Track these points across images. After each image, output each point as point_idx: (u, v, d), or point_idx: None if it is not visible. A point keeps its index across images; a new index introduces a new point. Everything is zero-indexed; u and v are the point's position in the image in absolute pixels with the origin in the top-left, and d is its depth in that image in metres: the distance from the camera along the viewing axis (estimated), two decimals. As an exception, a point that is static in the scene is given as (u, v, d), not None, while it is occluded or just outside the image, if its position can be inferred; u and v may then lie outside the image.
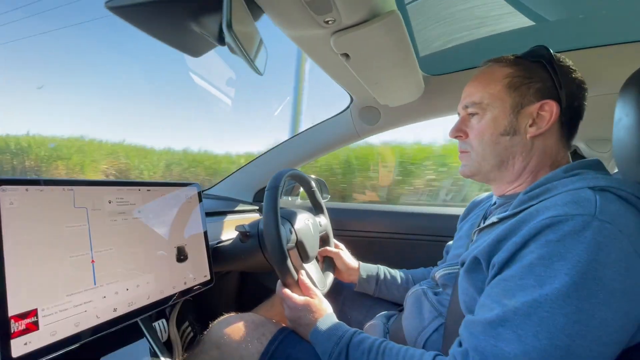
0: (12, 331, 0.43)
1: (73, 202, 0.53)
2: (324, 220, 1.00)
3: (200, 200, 0.80)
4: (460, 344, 0.48)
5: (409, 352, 0.56)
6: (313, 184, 0.98)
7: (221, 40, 0.54)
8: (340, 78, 0.97)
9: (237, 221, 1.07)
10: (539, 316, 0.40)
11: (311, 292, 0.72)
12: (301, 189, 1.44)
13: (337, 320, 0.67)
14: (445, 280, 0.71)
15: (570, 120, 0.58)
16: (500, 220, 0.54)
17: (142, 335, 0.64)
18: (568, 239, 0.41)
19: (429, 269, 0.97)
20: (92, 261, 0.53)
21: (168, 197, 0.71)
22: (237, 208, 1.23)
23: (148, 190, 0.67)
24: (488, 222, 0.58)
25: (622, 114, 0.52)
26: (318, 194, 1.01)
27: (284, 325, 0.73)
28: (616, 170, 0.63)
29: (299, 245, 0.83)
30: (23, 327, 0.44)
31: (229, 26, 0.45)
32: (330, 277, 0.91)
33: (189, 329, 0.97)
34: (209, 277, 0.77)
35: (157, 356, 0.63)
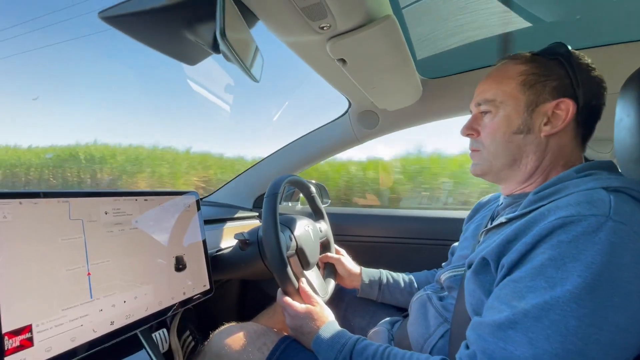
0: (6, 348, 0.42)
1: (69, 214, 0.52)
2: (324, 226, 0.99)
3: (199, 209, 0.80)
4: (467, 347, 0.47)
5: (414, 357, 0.55)
6: (313, 189, 0.98)
7: (216, 49, 0.54)
8: (337, 83, 0.97)
9: (236, 228, 1.06)
10: (550, 319, 0.39)
11: (312, 300, 0.71)
12: (301, 195, 1.43)
13: (340, 328, 0.66)
14: (451, 283, 0.70)
15: (586, 119, 0.57)
16: (509, 220, 0.53)
17: (142, 347, 0.63)
18: (581, 240, 0.40)
19: (432, 272, 0.96)
20: (88, 274, 0.52)
21: (166, 206, 0.71)
22: (237, 215, 1.22)
23: (145, 200, 0.66)
24: (496, 222, 0.57)
25: (623, 114, 0.51)
26: (318, 200, 1.00)
27: (285, 334, 0.72)
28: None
29: (299, 252, 0.82)
30: (17, 343, 0.43)
31: (223, 34, 0.45)
32: (331, 283, 0.90)
33: (190, 338, 0.96)
34: (208, 287, 0.76)
35: (157, 368, 0.62)
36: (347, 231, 1.39)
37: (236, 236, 0.82)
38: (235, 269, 0.87)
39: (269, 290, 1.31)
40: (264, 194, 0.76)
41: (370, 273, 0.94)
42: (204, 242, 0.78)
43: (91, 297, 0.52)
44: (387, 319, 0.86)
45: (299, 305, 0.70)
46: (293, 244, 0.80)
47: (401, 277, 0.94)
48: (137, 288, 0.60)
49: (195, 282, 0.73)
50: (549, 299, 0.39)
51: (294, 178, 0.86)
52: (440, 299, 0.71)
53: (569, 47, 0.57)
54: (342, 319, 0.94)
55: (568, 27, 0.87)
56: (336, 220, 1.33)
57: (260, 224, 0.75)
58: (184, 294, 0.69)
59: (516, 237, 0.47)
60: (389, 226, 1.38)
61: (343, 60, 0.72)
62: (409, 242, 1.33)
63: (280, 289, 0.74)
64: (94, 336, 0.51)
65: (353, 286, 0.94)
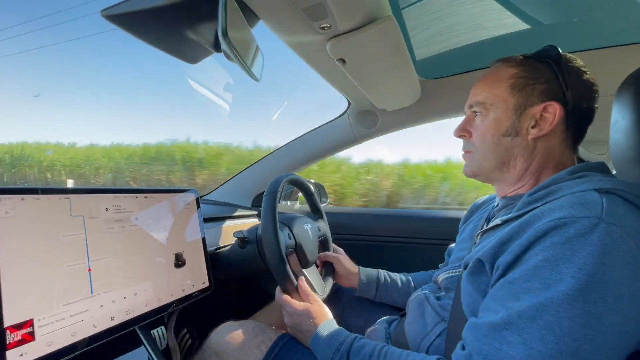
0: (7, 342, 0.42)
1: (70, 211, 0.53)
2: (323, 224, 0.99)
3: (199, 206, 0.80)
4: (463, 347, 0.48)
5: (410, 356, 0.55)
6: (312, 188, 0.98)
7: (217, 48, 0.54)
8: (337, 83, 0.97)
9: (235, 227, 1.06)
10: (545, 320, 0.39)
11: (311, 298, 0.72)
12: (300, 194, 1.44)
13: (338, 326, 0.66)
14: (448, 284, 0.70)
15: (576, 122, 0.57)
16: (504, 222, 0.54)
17: (141, 343, 0.63)
18: (574, 242, 0.41)
19: (429, 272, 0.97)
20: (89, 270, 0.53)
21: (165, 204, 0.71)
22: (236, 213, 1.22)
23: (145, 197, 0.66)
24: (491, 224, 0.58)
25: (618, 117, 0.52)
26: (317, 199, 1.01)
27: (284, 332, 0.73)
28: (614, 172, 0.63)
29: (298, 251, 0.82)
30: (19, 337, 0.43)
31: (225, 33, 0.45)
32: (330, 282, 0.90)
33: (187, 336, 0.96)
34: (207, 284, 0.76)
35: (156, 365, 0.62)
36: (345, 230, 1.40)
37: (235, 234, 0.83)
38: (234, 267, 0.87)
39: (267, 288, 1.31)
40: (263, 192, 0.76)
41: (368, 272, 0.94)
42: (204, 239, 0.79)
43: (92, 293, 0.52)
44: (385, 317, 0.87)
45: (297, 303, 0.70)
46: (292, 242, 0.80)
47: (398, 277, 0.95)
48: (137, 284, 0.60)
49: (194, 279, 0.73)
50: (543, 300, 0.40)
51: (293, 177, 0.87)
52: (438, 298, 0.72)
53: (560, 50, 0.58)
54: (339, 317, 0.95)
55: (565, 30, 0.87)
56: (334, 219, 1.33)
57: (259, 222, 0.75)
58: (183, 291, 0.70)
59: (511, 239, 0.47)
60: (387, 225, 1.38)
61: (343, 60, 0.73)
62: (407, 242, 1.34)
63: (278, 287, 0.74)
64: (94, 331, 0.52)
65: (351, 285, 0.95)
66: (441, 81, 1.05)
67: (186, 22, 0.51)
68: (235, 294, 1.30)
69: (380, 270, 0.96)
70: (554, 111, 0.55)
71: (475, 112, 0.62)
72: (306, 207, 1.10)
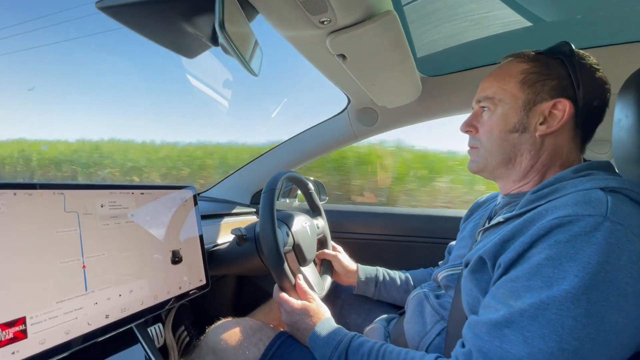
0: (-1, 340, 0.41)
1: (64, 206, 0.52)
2: (321, 222, 0.99)
3: (196, 203, 0.79)
4: (463, 345, 0.47)
5: (409, 355, 0.55)
6: (310, 186, 0.98)
7: (215, 41, 0.53)
8: (337, 79, 0.96)
9: (233, 224, 1.06)
10: (546, 318, 0.39)
11: (309, 296, 0.71)
12: (299, 191, 1.43)
13: (336, 325, 0.66)
14: (448, 282, 0.70)
15: (586, 121, 0.56)
16: (507, 220, 0.53)
17: (137, 341, 0.62)
18: (578, 240, 0.40)
19: (429, 270, 0.97)
20: (84, 267, 0.52)
21: (163, 200, 0.70)
22: (234, 210, 1.22)
23: (142, 193, 0.66)
24: (494, 221, 0.57)
25: (621, 115, 0.52)
26: (316, 196, 1.00)
27: (281, 329, 0.72)
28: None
29: (296, 248, 0.82)
30: (10, 335, 0.42)
31: (222, 26, 0.44)
32: (328, 280, 0.90)
33: (185, 333, 0.95)
34: (204, 282, 0.76)
35: (152, 363, 0.62)
36: (344, 228, 1.39)
37: (233, 232, 0.82)
38: (231, 264, 0.87)
39: (265, 286, 1.31)
40: (261, 190, 0.76)
41: (367, 270, 0.94)
42: (201, 237, 0.78)
43: (86, 290, 0.52)
44: (384, 316, 0.86)
45: (295, 302, 0.70)
46: (290, 240, 0.80)
47: (397, 275, 0.95)
48: (132, 282, 0.59)
49: (191, 276, 0.72)
50: (546, 298, 0.39)
51: (292, 174, 0.86)
52: (437, 296, 0.71)
53: (574, 47, 0.57)
54: (338, 315, 0.94)
55: (568, 27, 0.87)
56: (333, 217, 1.33)
57: (258, 220, 0.75)
58: (180, 288, 0.69)
59: (513, 237, 0.47)
60: (387, 224, 1.38)
61: (343, 56, 0.72)
62: (406, 240, 1.34)
63: (276, 285, 0.74)
64: (89, 329, 0.51)
65: (349, 283, 0.94)
66: (442, 78, 1.04)
67: (183, 15, 0.50)
68: (233, 291, 1.30)
69: (379, 268, 0.95)
70: (564, 108, 0.54)
71: (483, 107, 0.61)
72: (305, 205, 1.09)
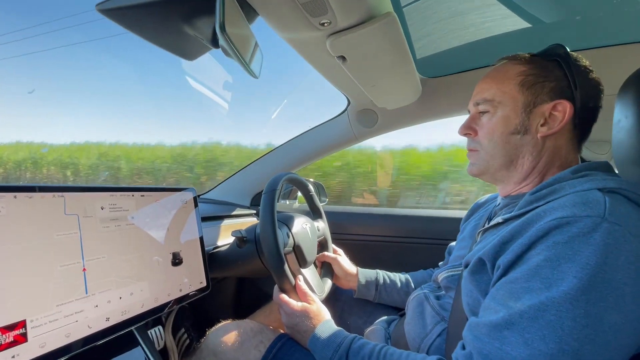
0: (-1, 343, 0.41)
1: (64, 209, 0.52)
2: (322, 224, 0.99)
3: (196, 205, 0.79)
4: (463, 347, 0.47)
5: (410, 357, 0.55)
6: (311, 187, 0.97)
7: (215, 43, 0.53)
8: (337, 81, 0.97)
9: (234, 226, 1.06)
10: (546, 320, 0.39)
11: (309, 298, 0.71)
12: (299, 193, 1.43)
13: (336, 327, 0.66)
14: (448, 283, 0.70)
15: (583, 121, 0.57)
16: (506, 221, 0.53)
17: (137, 343, 0.62)
18: (576, 241, 0.40)
19: (429, 271, 0.96)
20: (84, 269, 0.52)
21: (163, 203, 0.70)
22: (234, 212, 1.22)
23: (142, 195, 0.65)
24: (493, 222, 0.57)
25: (621, 116, 0.52)
26: (316, 198, 1.00)
27: (282, 332, 0.72)
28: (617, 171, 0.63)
29: (297, 250, 0.82)
30: (11, 339, 0.42)
31: (222, 29, 0.44)
32: (328, 282, 0.89)
33: (185, 335, 0.95)
34: (205, 284, 0.75)
35: (152, 365, 0.62)
36: (344, 230, 1.39)
37: (233, 233, 0.82)
38: (232, 266, 0.86)
39: (265, 288, 1.31)
40: (261, 191, 0.76)
41: (367, 274, 0.94)
42: (201, 239, 0.78)
43: (86, 293, 0.52)
44: (384, 317, 0.86)
45: (295, 303, 0.70)
46: (290, 241, 0.80)
47: (398, 277, 0.94)
48: (133, 284, 0.59)
49: (191, 279, 0.72)
50: (545, 299, 0.39)
51: (292, 176, 0.86)
52: (438, 297, 0.71)
53: (568, 49, 0.58)
54: (338, 317, 0.94)
55: (567, 28, 0.87)
56: (333, 219, 1.32)
57: (258, 221, 0.75)
58: (180, 290, 0.69)
59: (512, 238, 0.47)
60: (387, 225, 1.38)
61: (343, 58, 0.72)
62: (406, 241, 1.34)
63: (276, 286, 0.74)
64: (89, 332, 0.51)
65: (349, 287, 0.94)
66: (442, 80, 1.05)
67: (183, 17, 0.50)
68: (233, 293, 1.29)
69: (379, 271, 0.95)
70: (564, 109, 0.55)
71: (481, 109, 0.61)
72: (305, 207, 1.09)
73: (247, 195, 1.41)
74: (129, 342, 0.61)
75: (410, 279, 0.94)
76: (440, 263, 0.89)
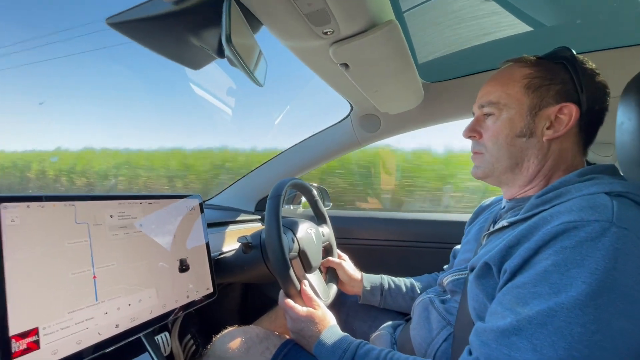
0: (12, 351, 0.42)
1: (74, 218, 0.53)
2: (326, 230, 0.99)
3: (202, 212, 0.80)
4: (470, 352, 0.47)
5: None
6: (315, 192, 0.98)
7: (221, 54, 0.54)
8: (339, 87, 0.98)
9: (239, 231, 1.06)
10: (555, 325, 0.38)
11: (314, 303, 0.71)
12: (303, 198, 1.44)
13: (342, 332, 0.66)
14: (454, 287, 0.69)
15: (589, 124, 0.56)
16: (511, 224, 0.53)
17: (145, 350, 0.63)
18: (584, 246, 0.40)
19: (434, 276, 0.96)
20: (94, 277, 0.53)
21: (169, 209, 0.71)
22: (239, 218, 1.22)
23: (149, 203, 0.66)
24: (498, 225, 0.57)
25: (624, 118, 0.52)
26: (320, 204, 1.01)
27: (287, 337, 0.72)
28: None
29: (302, 255, 0.82)
30: (24, 346, 0.43)
31: (228, 39, 0.45)
32: (333, 288, 0.90)
33: (192, 341, 0.96)
34: (211, 290, 0.76)
35: (160, 371, 0.62)
36: (348, 234, 1.39)
37: (239, 239, 0.82)
38: (238, 272, 0.87)
39: (270, 293, 1.31)
40: (266, 197, 0.76)
41: (372, 279, 0.93)
42: (208, 245, 0.78)
43: (97, 300, 0.52)
44: (390, 322, 0.86)
45: (300, 309, 0.70)
46: (295, 246, 0.80)
47: (402, 282, 0.94)
48: (141, 291, 0.60)
49: (198, 285, 0.73)
50: (554, 305, 0.39)
51: (296, 181, 0.86)
52: (443, 302, 0.71)
53: (574, 52, 0.57)
54: (343, 323, 0.94)
55: (569, 31, 0.87)
56: (337, 224, 1.33)
57: (263, 227, 0.75)
58: (188, 297, 0.69)
59: (519, 242, 0.47)
60: (390, 229, 1.38)
61: (346, 65, 0.73)
62: (410, 245, 1.33)
63: (282, 291, 0.74)
64: (99, 339, 0.52)
65: (354, 292, 0.94)
66: (444, 84, 1.05)
67: (190, 29, 0.52)
68: (238, 299, 1.30)
69: (384, 276, 0.95)
70: (570, 112, 0.54)
71: (486, 112, 0.61)
72: (310, 212, 1.10)
73: (251, 200, 1.42)
74: (136, 349, 0.62)
75: (415, 283, 0.94)
76: (445, 267, 0.89)
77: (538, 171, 0.58)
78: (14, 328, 0.43)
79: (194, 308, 0.71)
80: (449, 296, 0.72)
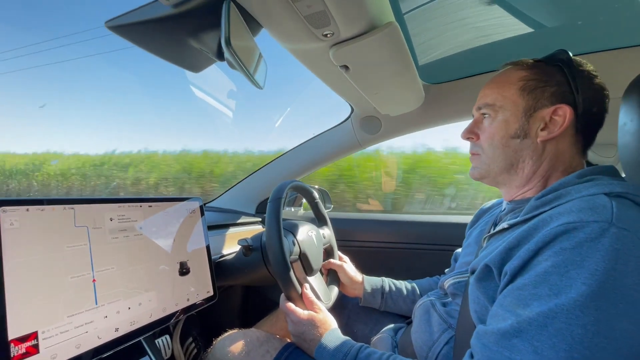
0: (11, 355, 0.42)
1: (74, 221, 0.53)
2: (327, 232, 0.99)
3: (203, 214, 0.80)
4: (471, 356, 0.47)
5: None
6: (316, 195, 0.98)
7: (221, 56, 0.54)
8: (340, 89, 0.97)
9: (239, 234, 1.06)
10: (555, 327, 0.38)
11: (315, 306, 0.71)
12: (304, 200, 1.43)
13: (343, 336, 0.66)
14: (455, 289, 0.69)
15: (586, 126, 0.56)
16: (511, 226, 0.53)
17: (145, 353, 0.63)
18: (584, 247, 0.40)
19: (435, 279, 0.96)
20: (94, 280, 0.53)
21: (170, 212, 0.71)
22: (240, 220, 1.22)
23: (150, 206, 0.66)
24: (498, 228, 0.57)
25: (626, 119, 0.51)
26: (321, 206, 1.00)
27: (288, 340, 0.72)
28: (624, 175, 0.62)
29: (303, 258, 0.82)
30: (23, 350, 0.43)
31: (228, 42, 0.45)
32: (335, 290, 0.89)
33: (193, 344, 0.95)
34: (212, 293, 0.76)
35: (160, 375, 0.62)
36: (349, 236, 1.39)
37: (240, 242, 0.82)
38: (238, 274, 0.87)
39: (271, 296, 1.31)
40: (266, 199, 0.76)
41: (373, 281, 0.93)
42: (208, 247, 0.78)
43: (96, 304, 0.52)
44: (391, 325, 0.86)
45: (301, 312, 0.70)
46: (296, 249, 0.80)
47: (403, 285, 0.94)
48: (141, 295, 0.60)
49: (199, 288, 0.73)
50: (554, 306, 0.39)
51: (297, 184, 0.86)
52: (444, 305, 0.71)
53: (571, 54, 0.58)
54: (344, 326, 0.94)
55: (570, 33, 0.87)
56: (338, 225, 1.32)
57: (263, 229, 0.75)
58: (188, 300, 0.69)
59: (519, 244, 0.47)
60: (391, 231, 1.37)
61: (346, 67, 0.72)
62: (411, 247, 1.33)
63: (283, 294, 0.74)
64: (99, 343, 0.51)
65: (355, 295, 0.93)
66: (445, 86, 1.05)
67: (190, 32, 0.52)
68: (239, 301, 1.29)
69: (384, 279, 0.95)
70: (564, 114, 0.55)
71: (483, 114, 0.62)
72: (310, 214, 1.10)
73: (252, 202, 1.42)
74: (136, 352, 0.62)
75: (416, 286, 0.94)
76: (446, 270, 0.89)
77: (534, 172, 0.58)
78: (13, 332, 0.43)
79: (195, 311, 0.71)
80: (450, 299, 0.71)
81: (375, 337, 0.83)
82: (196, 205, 0.79)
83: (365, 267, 1.01)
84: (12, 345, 0.42)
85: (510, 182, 0.61)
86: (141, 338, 0.60)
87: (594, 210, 0.42)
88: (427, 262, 1.29)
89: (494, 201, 0.83)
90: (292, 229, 0.84)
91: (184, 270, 0.70)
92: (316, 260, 0.85)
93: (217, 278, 0.79)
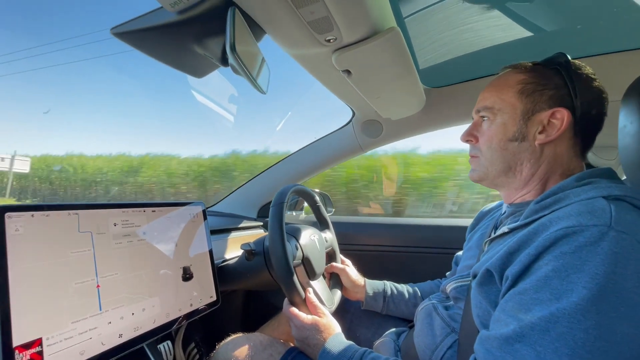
0: (16, 362, 0.42)
1: (78, 227, 0.53)
2: (329, 235, 0.99)
3: (205, 219, 0.80)
4: None
5: None
6: (317, 198, 0.98)
7: (224, 62, 0.55)
8: (341, 93, 0.98)
9: (241, 238, 1.06)
10: (557, 331, 0.38)
11: (319, 311, 0.71)
12: (305, 203, 1.43)
13: (347, 341, 0.65)
14: (457, 293, 0.69)
15: (585, 129, 0.56)
16: (512, 230, 0.53)
17: (147, 359, 0.62)
18: (584, 251, 0.40)
19: (436, 282, 0.96)
20: (98, 286, 0.52)
21: (173, 217, 0.71)
22: (242, 225, 1.22)
23: (153, 211, 0.66)
24: (499, 232, 0.57)
25: (626, 121, 0.52)
26: (323, 209, 1.00)
27: (292, 345, 0.72)
28: (624, 177, 0.62)
29: (305, 262, 0.82)
30: (27, 357, 0.43)
31: (232, 48, 0.46)
32: (338, 294, 0.89)
33: (195, 350, 0.95)
34: (215, 298, 0.76)
35: (163, 381, 0.62)
36: (351, 240, 1.39)
37: (242, 247, 0.82)
38: (241, 279, 0.87)
39: (273, 300, 1.30)
40: (268, 203, 0.76)
41: (375, 285, 0.93)
42: (211, 252, 0.78)
43: (100, 310, 0.52)
44: (393, 329, 0.85)
45: (305, 317, 0.69)
46: (299, 253, 0.80)
47: (405, 289, 0.94)
48: (145, 300, 0.59)
49: (201, 293, 0.72)
50: (555, 310, 0.39)
51: (299, 187, 0.86)
52: (446, 308, 0.71)
53: (569, 57, 0.58)
54: (347, 330, 0.93)
55: (569, 36, 0.88)
56: (340, 229, 1.32)
57: (265, 233, 0.75)
58: (191, 305, 0.69)
59: (519, 248, 0.47)
60: (392, 234, 1.37)
61: (348, 72, 0.73)
62: (413, 251, 1.33)
63: (286, 299, 0.73)
64: (103, 349, 0.51)
65: (357, 298, 0.93)
66: (445, 89, 1.06)
67: (194, 38, 0.52)
68: (241, 306, 1.29)
69: (386, 282, 0.95)
70: (562, 117, 0.55)
71: (482, 117, 0.62)
72: (312, 217, 1.10)
73: (253, 207, 1.42)
74: (139, 358, 0.61)
75: (418, 290, 0.94)
76: (447, 273, 0.89)
77: (532, 175, 0.58)
78: (17, 339, 0.42)
79: (198, 316, 0.71)
80: (452, 303, 0.71)
81: (378, 341, 0.82)
82: (199, 209, 0.79)
83: (367, 270, 1.01)
84: (16, 352, 0.42)
85: (508, 185, 0.62)
86: (144, 344, 0.59)
87: (592, 214, 0.42)
88: (428, 265, 1.28)
89: (494, 204, 0.83)
90: (295, 233, 0.83)
91: (187, 275, 0.70)
92: (319, 264, 0.85)
93: (219, 283, 0.79)
